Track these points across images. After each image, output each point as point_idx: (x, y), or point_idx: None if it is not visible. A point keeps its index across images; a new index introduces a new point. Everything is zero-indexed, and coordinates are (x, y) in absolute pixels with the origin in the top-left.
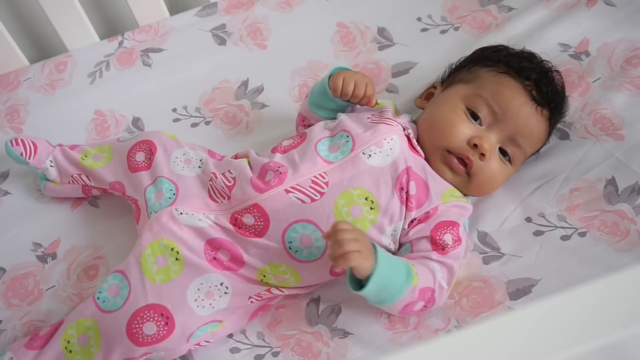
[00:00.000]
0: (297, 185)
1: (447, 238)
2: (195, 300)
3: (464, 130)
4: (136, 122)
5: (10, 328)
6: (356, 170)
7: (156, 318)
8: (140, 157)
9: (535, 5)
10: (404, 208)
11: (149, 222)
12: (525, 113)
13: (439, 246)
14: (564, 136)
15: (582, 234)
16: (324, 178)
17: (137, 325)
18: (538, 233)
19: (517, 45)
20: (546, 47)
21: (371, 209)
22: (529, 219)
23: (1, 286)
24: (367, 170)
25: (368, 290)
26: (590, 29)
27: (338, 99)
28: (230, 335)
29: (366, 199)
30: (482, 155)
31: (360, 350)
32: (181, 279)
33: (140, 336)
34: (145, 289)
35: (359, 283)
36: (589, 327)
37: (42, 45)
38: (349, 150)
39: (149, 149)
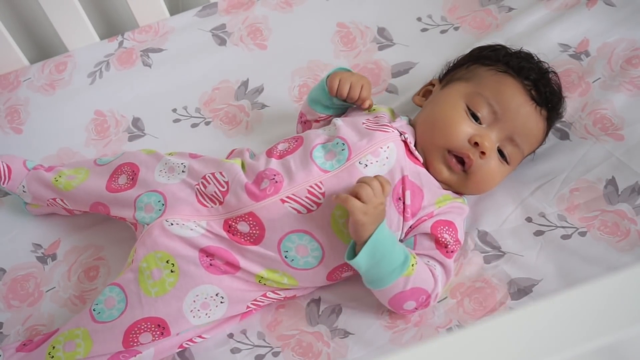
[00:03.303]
0: (293, 195)
1: (447, 237)
2: (191, 311)
3: (465, 129)
4: (136, 122)
5: (13, 333)
6: (352, 181)
7: (152, 329)
8: (122, 179)
9: (535, 5)
10: (402, 218)
11: (141, 236)
12: (525, 112)
13: (441, 244)
14: (564, 136)
15: (583, 234)
16: (320, 188)
17: (133, 336)
18: (538, 233)
19: (517, 45)
20: (546, 47)
21: None
22: (529, 219)
23: (1, 287)
24: None
25: (359, 258)
26: (590, 29)
27: (334, 98)
28: (231, 335)
29: None
30: (483, 153)
31: (361, 350)
32: (176, 291)
33: (136, 344)
34: (142, 302)
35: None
36: (589, 327)
37: (42, 45)
38: (345, 159)
39: (132, 170)
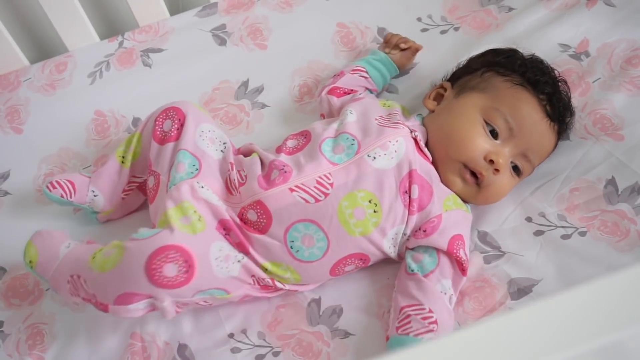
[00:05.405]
0: (302, 184)
1: (462, 254)
2: (216, 258)
3: (481, 144)
4: (136, 122)
5: (14, 332)
6: (361, 173)
7: (180, 262)
8: (167, 125)
9: (535, 5)
10: (407, 212)
11: (169, 191)
12: (540, 130)
13: (459, 264)
14: (564, 136)
15: (582, 234)
16: (328, 179)
17: (158, 262)
18: (538, 233)
19: (517, 45)
20: (546, 47)
21: (374, 211)
22: (529, 219)
23: (1, 286)
24: (371, 173)
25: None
26: (590, 29)
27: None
28: (231, 335)
29: (370, 201)
30: (496, 170)
31: (361, 350)
32: (205, 235)
33: (158, 274)
34: (174, 232)
35: None
36: (589, 327)
37: (42, 45)
38: (354, 153)
39: (177, 117)
